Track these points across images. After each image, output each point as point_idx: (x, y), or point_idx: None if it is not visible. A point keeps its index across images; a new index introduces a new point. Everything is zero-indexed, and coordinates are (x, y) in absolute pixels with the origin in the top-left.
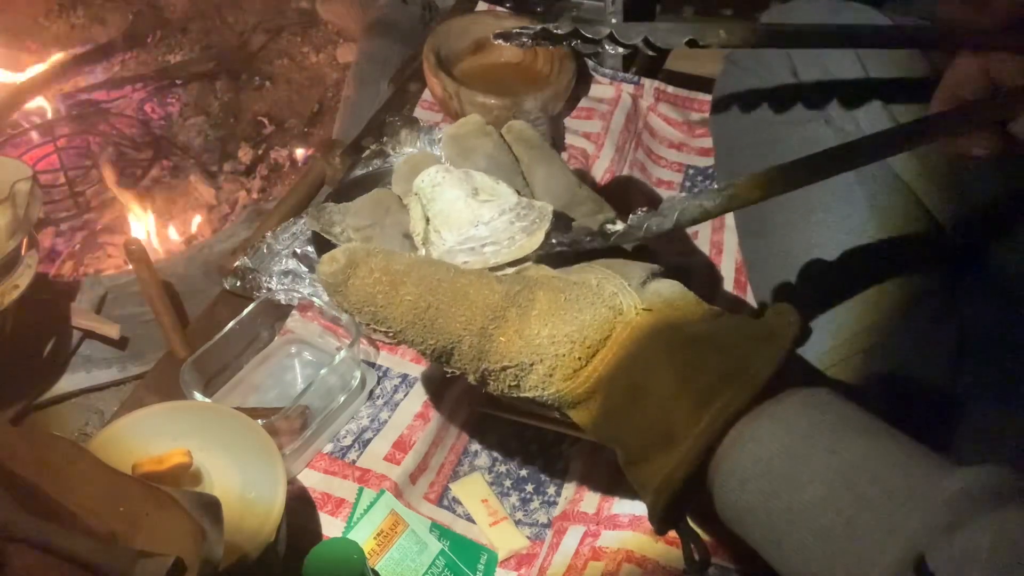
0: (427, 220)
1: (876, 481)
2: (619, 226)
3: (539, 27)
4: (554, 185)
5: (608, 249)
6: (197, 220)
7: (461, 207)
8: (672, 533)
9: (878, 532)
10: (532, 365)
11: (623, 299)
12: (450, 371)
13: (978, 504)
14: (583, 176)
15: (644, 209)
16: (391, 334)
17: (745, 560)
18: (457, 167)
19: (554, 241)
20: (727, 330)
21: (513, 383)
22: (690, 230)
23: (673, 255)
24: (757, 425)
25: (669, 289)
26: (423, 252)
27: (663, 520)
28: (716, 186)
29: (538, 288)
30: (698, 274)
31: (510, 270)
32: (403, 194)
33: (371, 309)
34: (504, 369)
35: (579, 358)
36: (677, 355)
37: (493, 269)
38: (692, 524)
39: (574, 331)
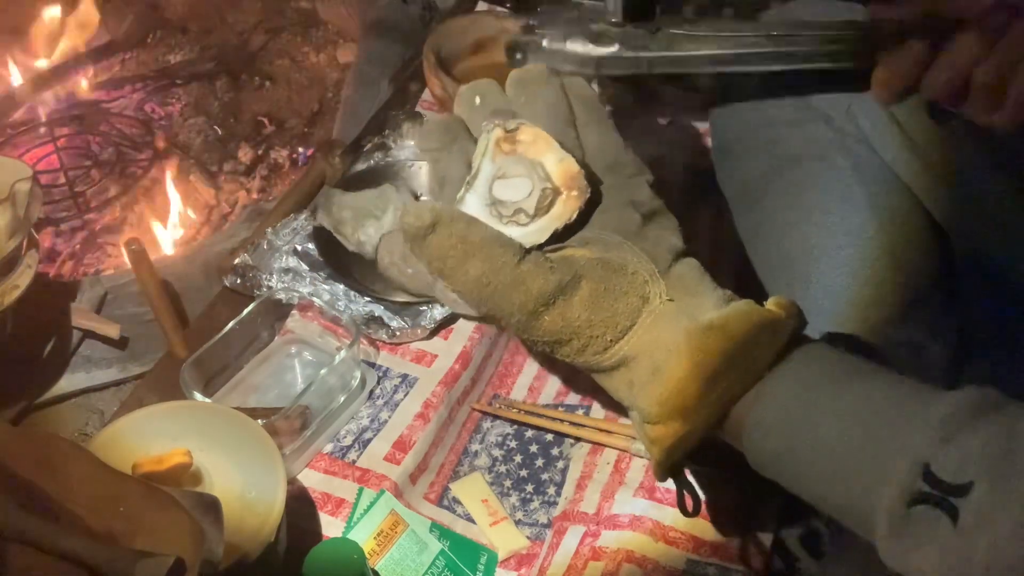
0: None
1: (879, 413)
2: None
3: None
4: (604, 145)
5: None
6: (197, 220)
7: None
8: (672, 533)
9: (887, 452)
10: (569, 340)
11: (651, 287)
12: (492, 324)
13: (965, 418)
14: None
15: None
16: (451, 288)
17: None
18: (518, 111)
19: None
20: (735, 319)
21: (548, 349)
22: (689, 231)
23: None
24: (771, 385)
25: (690, 276)
26: (464, 189)
27: (667, 472)
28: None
29: (583, 278)
30: None
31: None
32: (466, 118)
33: (439, 266)
34: (543, 339)
35: (610, 339)
36: (692, 341)
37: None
38: (687, 475)
39: (608, 317)
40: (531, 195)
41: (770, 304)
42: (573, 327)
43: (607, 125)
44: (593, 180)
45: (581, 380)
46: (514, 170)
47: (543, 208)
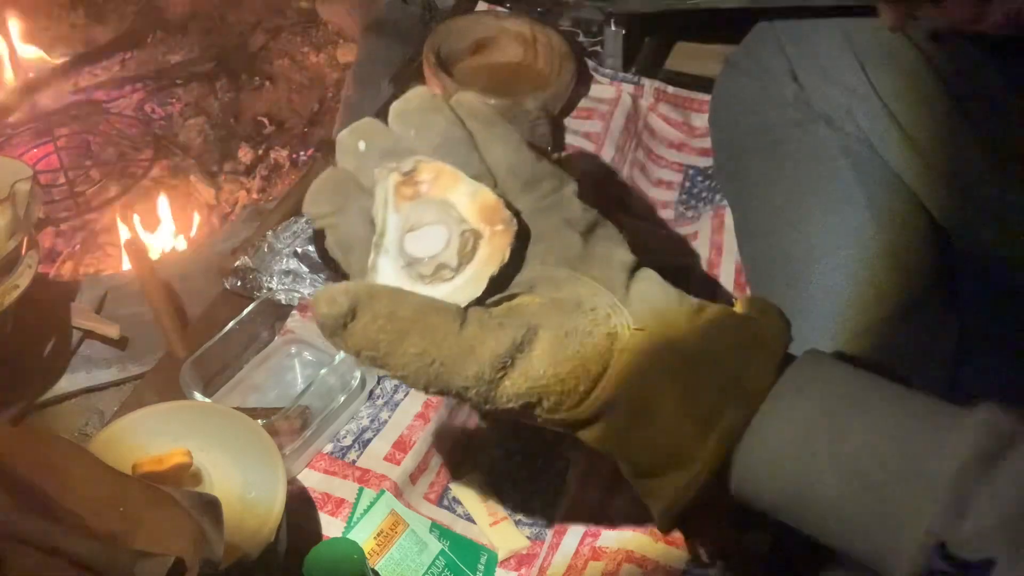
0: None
1: (884, 466)
2: None
3: None
4: (515, 161)
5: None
6: (197, 220)
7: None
8: (673, 533)
9: (896, 519)
10: (539, 401)
11: (616, 320)
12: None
13: (980, 472)
14: (542, 149)
15: None
16: (387, 374)
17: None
18: (411, 146)
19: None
20: (717, 338)
21: (517, 415)
22: (690, 230)
23: (673, 255)
24: (765, 422)
25: (652, 293)
26: (374, 253)
27: (673, 524)
28: None
29: (539, 327)
30: (698, 275)
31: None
32: (354, 169)
33: (371, 355)
34: (509, 406)
35: (583, 390)
36: (676, 376)
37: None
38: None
39: (577, 366)
40: (449, 244)
41: (748, 308)
42: (540, 386)
43: (513, 138)
44: (514, 208)
45: None
46: (424, 217)
47: (467, 255)
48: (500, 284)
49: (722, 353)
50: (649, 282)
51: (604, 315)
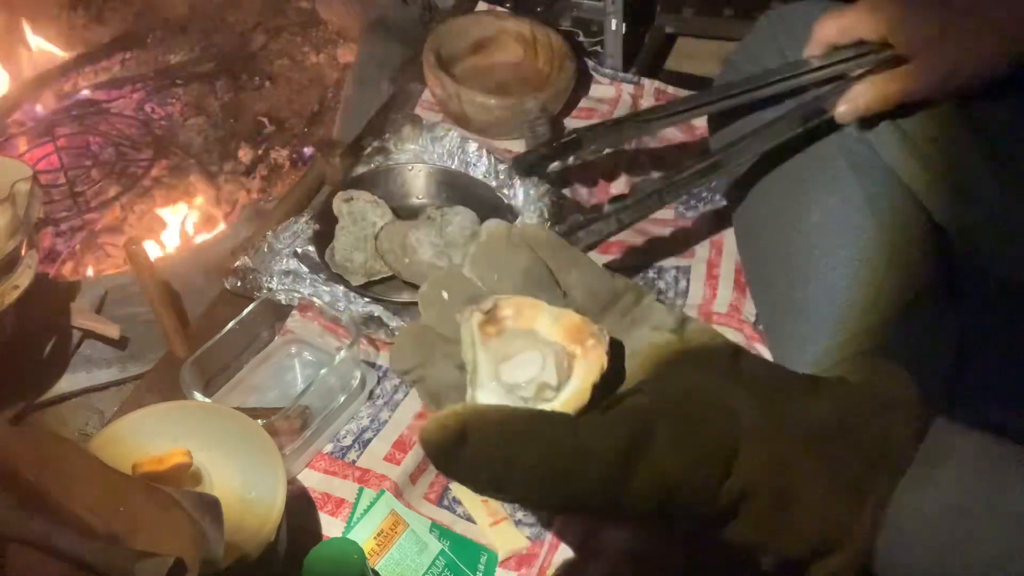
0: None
1: None
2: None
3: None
4: (592, 284)
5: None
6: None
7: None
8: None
9: None
10: (671, 498)
11: (736, 400)
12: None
13: None
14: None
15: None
16: (507, 500)
17: None
18: (494, 289)
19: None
20: (848, 406)
21: (657, 518)
22: (690, 230)
23: (673, 255)
24: (912, 492)
25: (763, 372)
26: (471, 390)
27: None
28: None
29: (656, 421)
30: (698, 275)
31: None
32: (437, 319)
33: (486, 477)
34: (645, 510)
35: (715, 478)
36: (814, 450)
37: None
38: None
39: (704, 454)
40: (545, 365)
41: (869, 371)
42: (671, 480)
43: (586, 261)
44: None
45: None
46: (513, 347)
47: (565, 373)
48: (604, 394)
49: (858, 421)
50: (756, 362)
51: (721, 399)
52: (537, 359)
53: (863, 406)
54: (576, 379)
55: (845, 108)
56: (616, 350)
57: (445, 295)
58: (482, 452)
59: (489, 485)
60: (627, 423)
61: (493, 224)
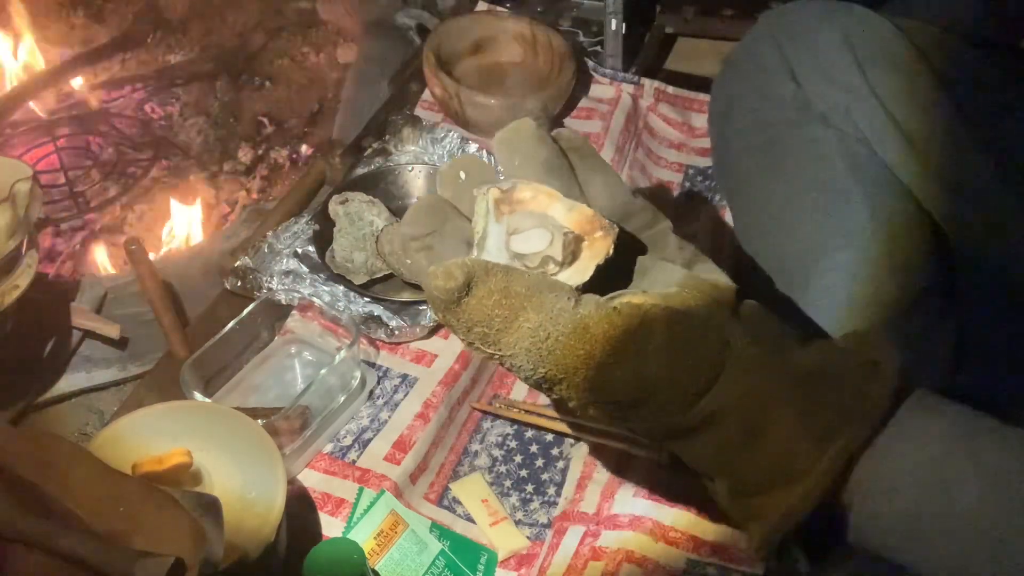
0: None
1: (1020, 472)
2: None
3: None
4: (610, 195)
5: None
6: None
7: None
8: (672, 533)
9: None
10: (646, 399)
11: (731, 331)
12: (552, 396)
13: None
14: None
15: None
16: (497, 356)
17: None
18: (514, 175)
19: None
20: (833, 361)
21: (619, 415)
22: (690, 231)
23: None
24: (891, 442)
25: (757, 315)
26: (477, 251)
27: (769, 552)
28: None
29: (655, 322)
30: None
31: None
32: (452, 198)
33: (483, 331)
34: (615, 400)
35: (693, 393)
36: (793, 393)
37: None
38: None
39: (691, 366)
40: (553, 242)
41: (858, 340)
42: (650, 382)
43: (611, 173)
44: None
45: None
46: (526, 223)
47: (570, 255)
48: (604, 284)
49: (840, 376)
50: (753, 308)
51: (718, 324)
52: (546, 235)
53: (846, 363)
54: (581, 261)
55: None
56: (625, 253)
57: (463, 175)
58: (484, 306)
59: (483, 340)
60: (627, 315)
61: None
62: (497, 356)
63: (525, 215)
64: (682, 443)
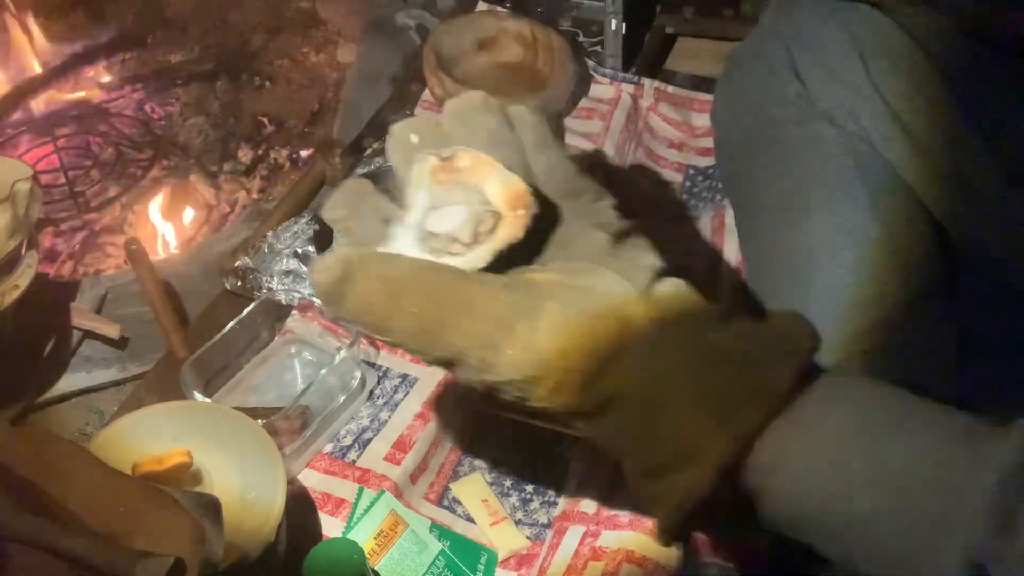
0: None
1: (923, 482)
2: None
3: None
4: (556, 170)
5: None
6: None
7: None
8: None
9: (934, 537)
10: (541, 379)
11: (633, 307)
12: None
13: (1020, 491)
14: (589, 163)
15: None
16: (391, 344)
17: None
18: (460, 143)
19: None
20: (741, 340)
21: (519, 395)
22: (689, 231)
23: (672, 256)
24: (789, 439)
25: (676, 294)
26: (394, 225)
27: (675, 535)
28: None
29: (547, 298)
30: (698, 275)
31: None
32: (403, 160)
33: (370, 320)
34: (511, 382)
35: (590, 372)
36: (694, 372)
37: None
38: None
39: (585, 347)
40: (466, 222)
41: (779, 319)
42: (543, 360)
43: (558, 149)
44: (546, 203)
45: None
46: (450, 199)
47: (484, 235)
48: (509, 264)
49: (743, 355)
50: (676, 286)
51: (618, 301)
52: (461, 213)
53: (754, 343)
54: (490, 243)
55: None
56: (543, 226)
57: (415, 139)
58: (364, 295)
59: (373, 330)
60: (516, 291)
61: (475, 91)
62: (391, 344)
63: (453, 188)
64: (585, 425)
